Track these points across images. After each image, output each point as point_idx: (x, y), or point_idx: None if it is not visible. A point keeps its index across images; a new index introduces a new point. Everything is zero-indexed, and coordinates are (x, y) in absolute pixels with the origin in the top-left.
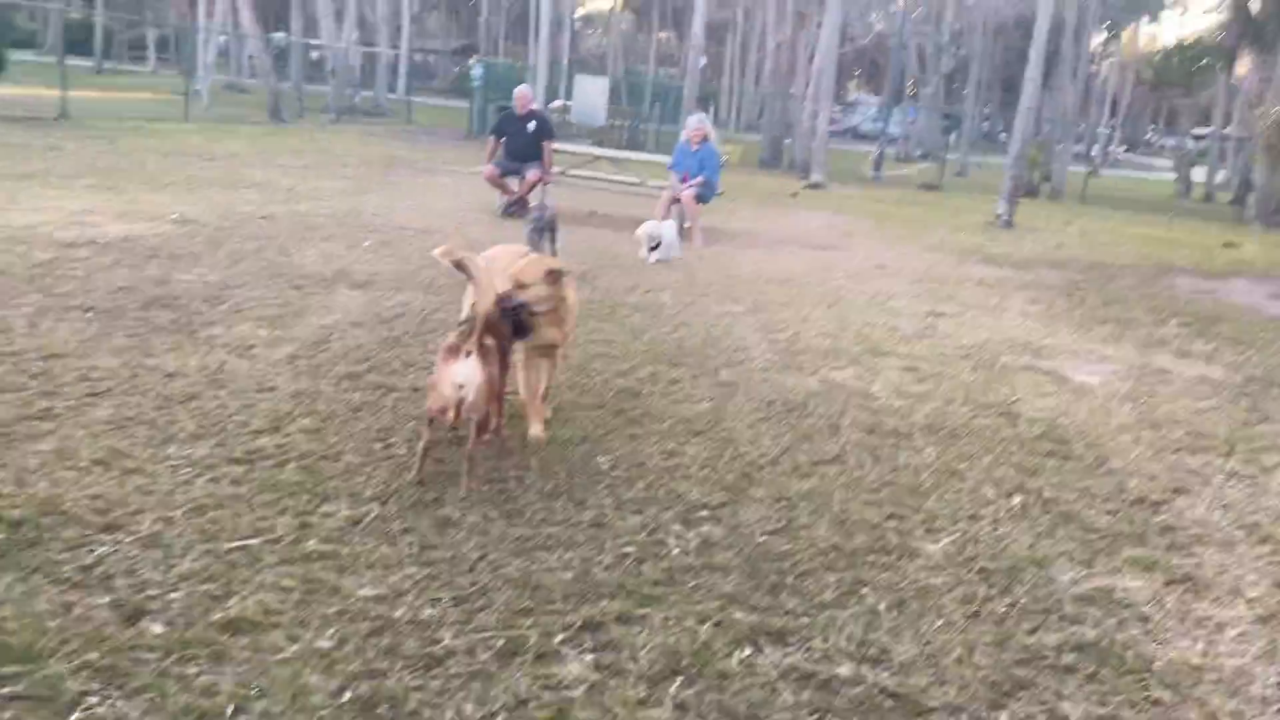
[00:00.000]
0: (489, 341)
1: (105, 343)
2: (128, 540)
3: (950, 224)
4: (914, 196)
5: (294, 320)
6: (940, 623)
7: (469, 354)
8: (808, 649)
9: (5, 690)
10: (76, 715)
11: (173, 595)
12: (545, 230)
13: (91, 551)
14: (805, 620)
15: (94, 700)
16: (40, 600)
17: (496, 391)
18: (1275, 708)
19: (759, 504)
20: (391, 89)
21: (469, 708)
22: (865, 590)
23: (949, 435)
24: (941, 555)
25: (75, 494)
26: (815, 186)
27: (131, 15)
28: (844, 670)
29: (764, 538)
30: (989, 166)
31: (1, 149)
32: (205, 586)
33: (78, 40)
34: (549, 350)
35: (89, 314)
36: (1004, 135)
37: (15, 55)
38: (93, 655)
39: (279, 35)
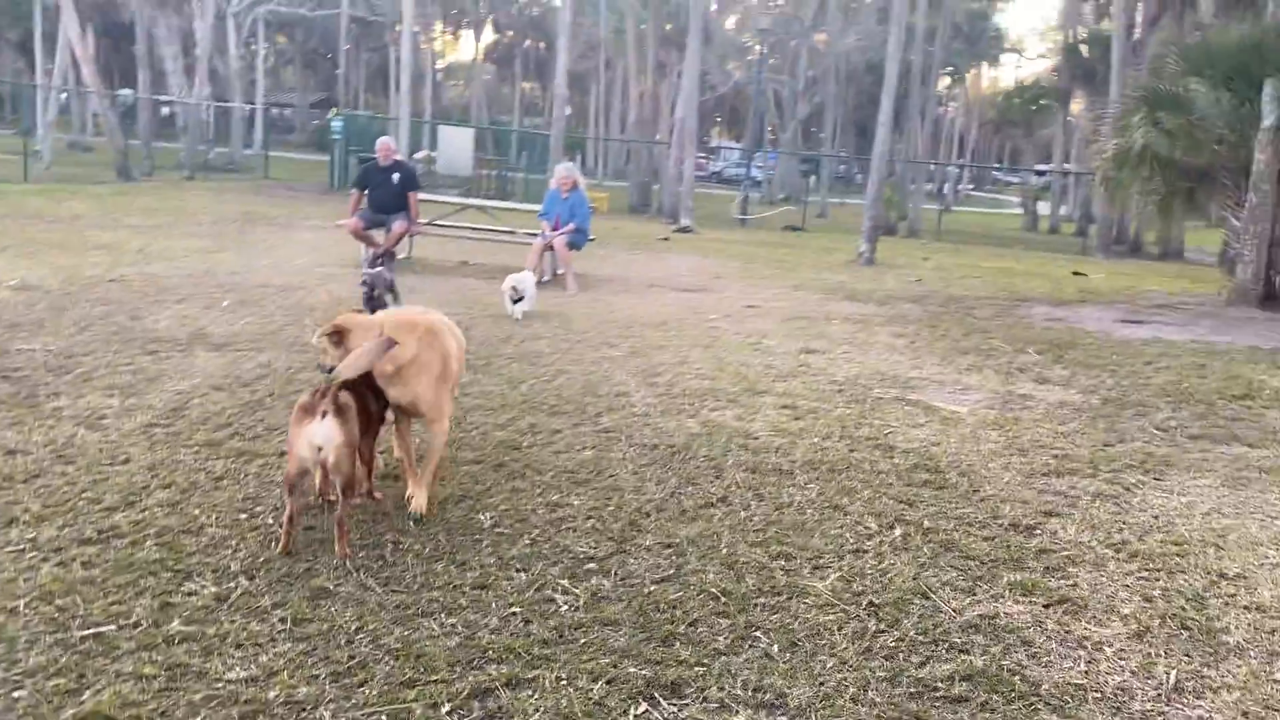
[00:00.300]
0: (346, 400)
1: None
2: None
3: (815, 263)
4: (779, 238)
5: (148, 387)
6: (833, 661)
7: (325, 414)
8: (704, 699)
9: None
10: None
11: (18, 693)
12: (376, 301)
13: None
14: (700, 670)
15: None
16: None
17: (362, 452)
18: None
19: (647, 552)
20: (248, 144)
21: None
22: (758, 634)
23: (829, 470)
24: (830, 592)
25: None
26: (684, 231)
27: None
28: (741, 719)
29: (654, 587)
30: (848, 207)
31: None
32: (55, 681)
33: None
34: (411, 411)
35: None
36: (860, 177)
37: None
38: None
39: (125, 92)
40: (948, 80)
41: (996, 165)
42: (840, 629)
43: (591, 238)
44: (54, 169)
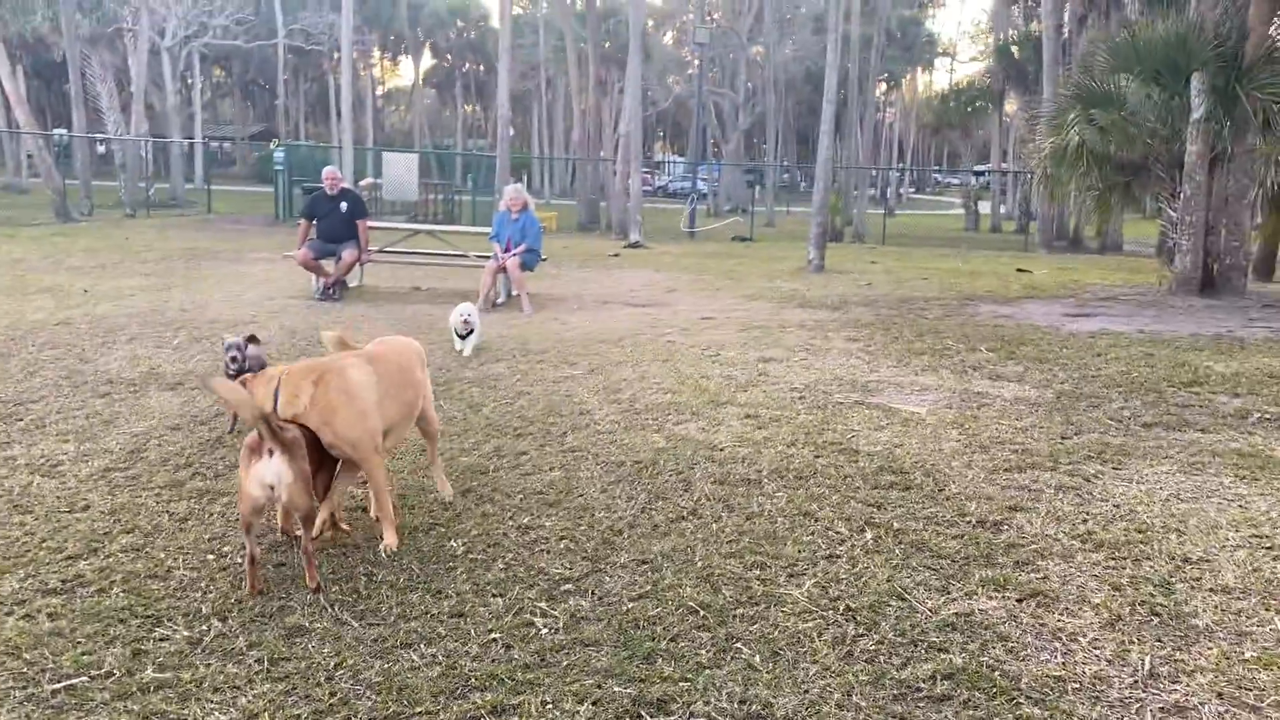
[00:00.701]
0: (294, 435)
1: None
2: None
3: (766, 272)
4: (728, 249)
5: (104, 430)
6: (816, 668)
7: (272, 452)
8: (690, 714)
9: None
10: None
11: None
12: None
13: None
14: (685, 684)
15: None
16: None
17: (318, 486)
18: (1135, 708)
19: (623, 570)
20: (189, 179)
21: None
22: (739, 645)
23: (796, 478)
24: (807, 599)
25: None
26: (634, 246)
27: None
28: None
29: (632, 604)
30: (794, 215)
31: None
32: None
33: None
34: (340, 452)
35: None
36: (804, 184)
37: None
38: None
39: (60, 131)
40: (885, 86)
41: (936, 168)
42: (820, 635)
43: (544, 257)
44: None
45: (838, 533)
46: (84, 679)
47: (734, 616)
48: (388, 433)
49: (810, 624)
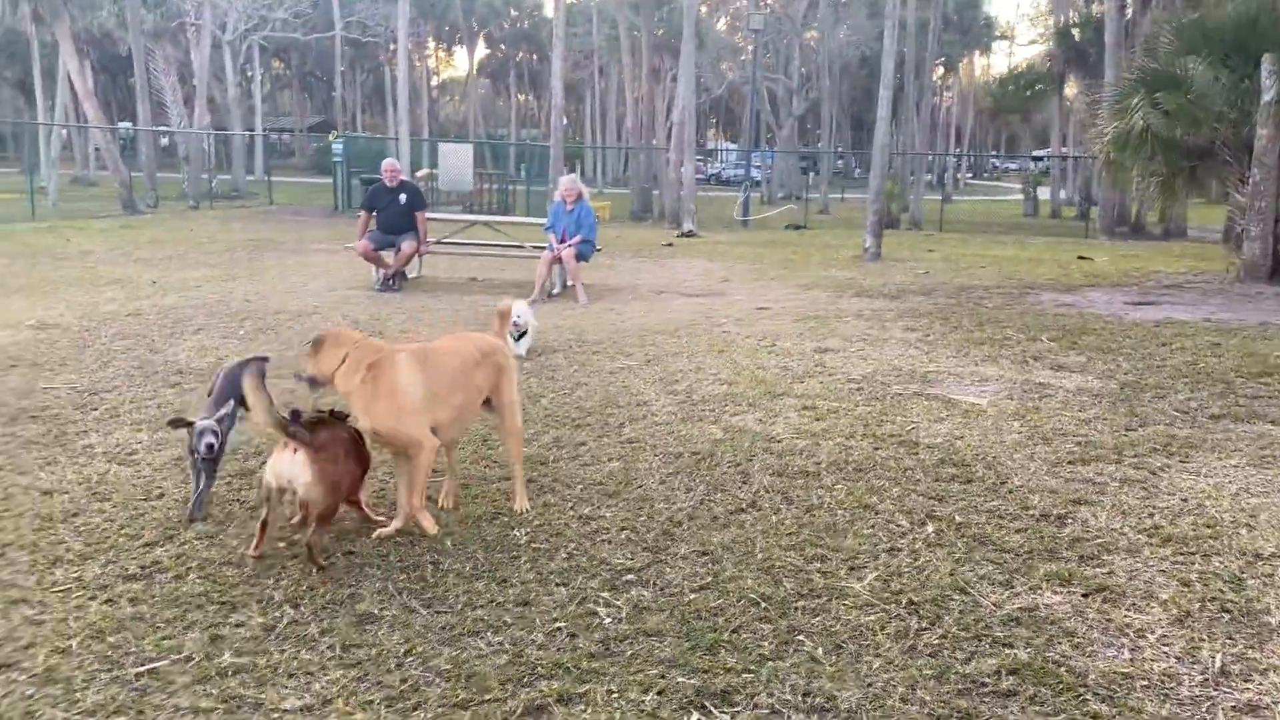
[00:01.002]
0: (328, 438)
1: None
2: (22, 678)
3: (821, 261)
4: (783, 237)
5: None
6: (879, 662)
7: (295, 450)
8: (754, 706)
9: None
10: None
11: None
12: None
13: None
14: (748, 676)
15: None
16: None
17: (345, 484)
18: (1205, 707)
19: (684, 561)
20: (250, 170)
21: None
22: (801, 637)
23: (855, 470)
24: (868, 592)
25: None
26: (688, 235)
27: None
28: None
29: (693, 595)
30: (849, 202)
31: None
32: (115, 719)
33: None
34: (382, 443)
35: None
36: (858, 171)
37: None
38: None
39: (125, 125)
40: (941, 70)
41: (994, 153)
42: (883, 629)
43: (598, 248)
44: (60, 205)
45: (899, 526)
46: (165, 662)
47: (795, 609)
48: (434, 430)
49: (872, 617)
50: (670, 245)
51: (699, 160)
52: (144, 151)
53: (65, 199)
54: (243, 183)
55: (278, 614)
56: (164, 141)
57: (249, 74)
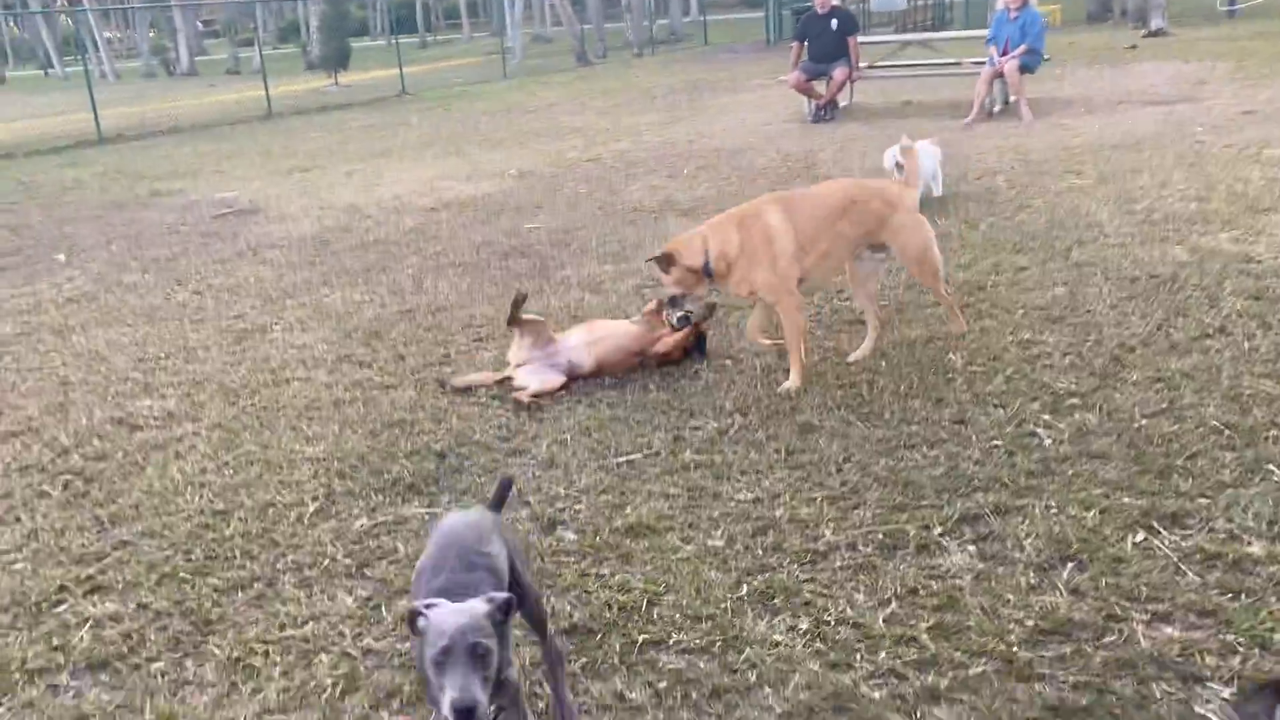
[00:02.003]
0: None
1: (478, 293)
2: (532, 463)
3: None
4: None
5: (633, 254)
6: None
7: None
8: (1210, 530)
9: None
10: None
11: (577, 506)
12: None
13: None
14: (1203, 502)
15: None
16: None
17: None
18: None
19: (1135, 387)
20: (685, 12)
21: (860, 597)
22: (1270, 467)
23: None
24: None
25: (482, 426)
26: (1156, 34)
27: None
28: (1256, 549)
29: (1144, 421)
30: None
31: (360, 131)
32: (603, 498)
33: (403, 19)
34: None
35: (460, 269)
36: None
37: (354, 44)
38: None
39: None
40: None
41: None
42: None
43: (1046, 58)
44: (524, 63)
45: None
46: (638, 455)
47: (1266, 439)
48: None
49: None
50: (1133, 48)
51: None
52: (591, 5)
53: (528, 57)
54: (679, 25)
55: (729, 421)
56: None
57: None
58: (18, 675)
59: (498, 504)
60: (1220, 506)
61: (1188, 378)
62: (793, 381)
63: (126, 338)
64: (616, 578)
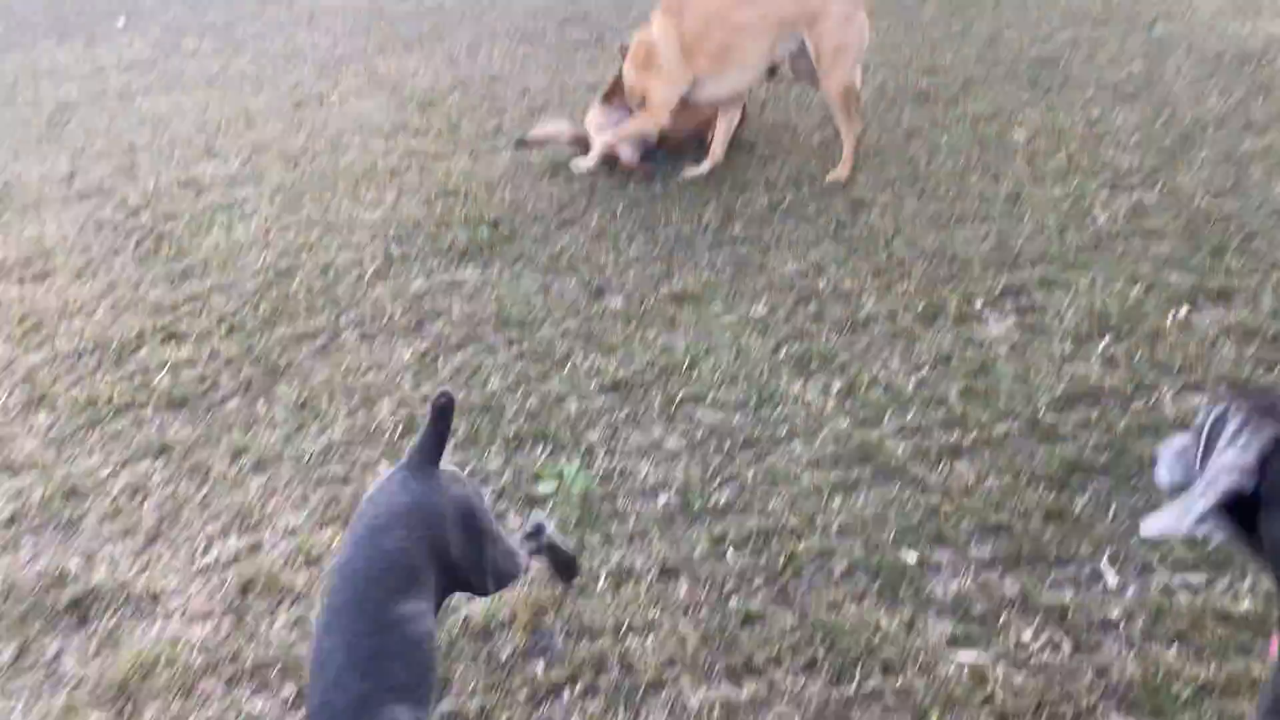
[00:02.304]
0: None
1: (532, 63)
2: (582, 234)
3: None
4: None
5: None
6: None
7: None
8: (1254, 308)
9: (513, 349)
10: (568, 367)
11: (625, 275)
12: None
13: (556, 244)
14: (1252, 281)
15: (579, 358)
16: (525, 282)
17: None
18: None
19: (1201, 167)
20: None
21: (895, 362)
22: None
23: None
24: None
25: (535, 197)
26: None
27: None
28: None
29: (1205, 200)
30: None
31: None
32: (651, 268)
33: None
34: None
35: (515, 37)
36: None
37: None
38: (571, 323)
39: None
40: None
41: None
42: None
43: None
44: None
45: None
46: (688, 228)
47: None
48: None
49: None
50: None
51: None
52: None
53: None
54: None
55: (781, 195)
56: None
57: None
58: (105, 409)
59: (435, 447)
60: (1270, 285)
61: (1259, 158)
62: (842, 172)
63: (188, 103)
64: (660, 340)
